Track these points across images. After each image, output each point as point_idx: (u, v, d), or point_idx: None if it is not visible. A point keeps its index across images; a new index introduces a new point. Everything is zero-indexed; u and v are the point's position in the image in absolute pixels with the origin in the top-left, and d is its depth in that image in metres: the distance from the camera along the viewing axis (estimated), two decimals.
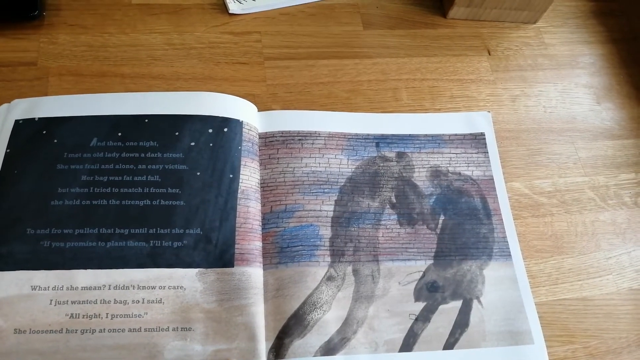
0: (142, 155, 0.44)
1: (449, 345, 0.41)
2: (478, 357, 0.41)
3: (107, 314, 0.38)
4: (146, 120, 0.46)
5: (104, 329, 0.38)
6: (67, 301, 0.39)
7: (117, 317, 0.38)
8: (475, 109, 0.53)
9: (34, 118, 0.45)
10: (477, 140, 0.50)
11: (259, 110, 0.49)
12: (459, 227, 0.46)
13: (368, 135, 0.49)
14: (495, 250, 0.45)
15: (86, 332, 0.38)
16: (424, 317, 0.42)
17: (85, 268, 0.40)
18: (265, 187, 0.45)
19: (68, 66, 0.50)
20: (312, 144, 0.48)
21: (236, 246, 0.42)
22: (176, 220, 0.42)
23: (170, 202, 0.43)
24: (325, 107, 0.51)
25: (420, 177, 0.48)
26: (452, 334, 0.42)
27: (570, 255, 0.47)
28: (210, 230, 0.42)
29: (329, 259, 0.43)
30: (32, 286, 0.39)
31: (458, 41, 0.57)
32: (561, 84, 0.56)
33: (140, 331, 0.38)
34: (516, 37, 0.59)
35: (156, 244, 0.41)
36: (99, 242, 0.41)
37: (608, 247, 0.48)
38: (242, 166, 0.45)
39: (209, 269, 0.41)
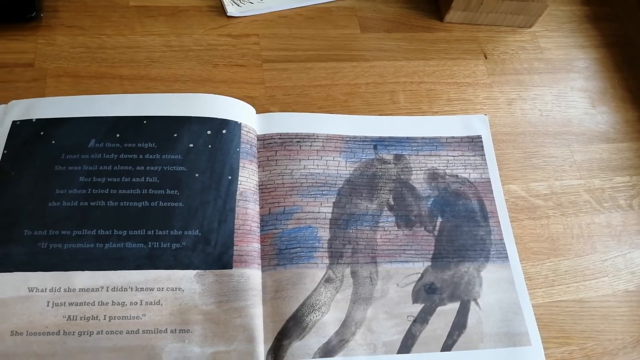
0: (141, 156, 0.44)
1: (447, 346, 0.41)
2: (476, 359, 0.41)
3: (105, 315, 0.38)
4: (144, 122, 0.46)
5: (102, 331, 0.38)
6: (65, 303, 0.38)
7: (115, 319, 0.38)
8: (472, 112, 0.53)
9: (32, 119, 0.45)
10: (474, 143, 0.51)
11: (257, 112, 0.49)
12: (457, 229, 0.46)
13: (366, 137, 0.49)
14: (492, 252, 0.46)
15: (84, 334, 0.38)
16: (422, 319, 0.42)
17: (83, 270, 0.40)
18: (264, 188, 0.45)
19: (65, 67, 0.49)
20: (310, 146, 0.48)
21: (235, 248, 0.42)
22: (174, 222, 0.42)
23: (169, 203, 0.42)
24: (323, 110, 0.51)
25: (418, 180, 0.48)
26: (450, 335, 0.42)
27: (566, 258, 0.47)
28: (208, 232, 0.42)
29: (327, 260, 0.43)
30: (29, 288, 0.39)
31: (455, 45, 0.57)
32: (557, 87, 0.57)
33: (139, 333, 0.38)
34: (512, 41, 0.59)
35: (154, 246, 0.41)
36: (97, 244, 0.41)
37: (604, 250, 0.48)
38: (240, 168, 0.45)
39: (207, 271, 0.41)
